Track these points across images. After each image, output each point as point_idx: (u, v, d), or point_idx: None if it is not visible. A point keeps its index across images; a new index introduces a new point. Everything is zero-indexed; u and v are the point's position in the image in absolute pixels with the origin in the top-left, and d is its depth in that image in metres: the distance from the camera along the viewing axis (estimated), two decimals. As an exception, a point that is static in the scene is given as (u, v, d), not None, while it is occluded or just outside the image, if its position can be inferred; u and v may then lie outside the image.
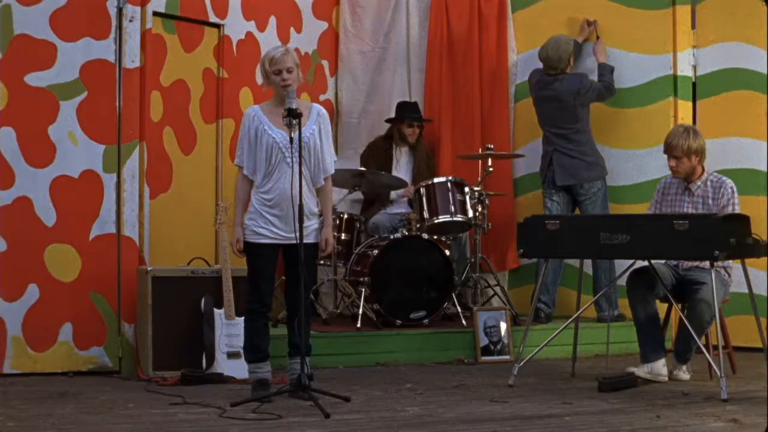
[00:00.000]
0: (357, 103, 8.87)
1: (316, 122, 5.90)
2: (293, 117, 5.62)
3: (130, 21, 6.82)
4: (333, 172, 6.00)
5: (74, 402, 5.82)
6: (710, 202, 6.49)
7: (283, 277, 6.09)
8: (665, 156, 6.56)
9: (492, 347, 7.44)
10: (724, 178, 6.54)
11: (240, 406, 5.53)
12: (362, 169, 7.95)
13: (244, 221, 5.88)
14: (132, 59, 6.83)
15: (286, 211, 5.76)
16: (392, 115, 8.45)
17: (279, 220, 5.82)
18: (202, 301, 6.61)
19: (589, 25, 8.32)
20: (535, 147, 8.32)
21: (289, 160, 5.78)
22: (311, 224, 5.85)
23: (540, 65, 8.14)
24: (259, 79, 6.01)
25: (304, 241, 5.68)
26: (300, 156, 5.68)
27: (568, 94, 7.93)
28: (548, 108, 8.07)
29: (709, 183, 6.53)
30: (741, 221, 6.03)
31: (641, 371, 6.34)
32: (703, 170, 6.58)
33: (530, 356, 6.50)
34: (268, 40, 7.80)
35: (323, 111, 6.00)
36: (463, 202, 7.73)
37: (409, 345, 7.39)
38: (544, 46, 8.08)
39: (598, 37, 8.28)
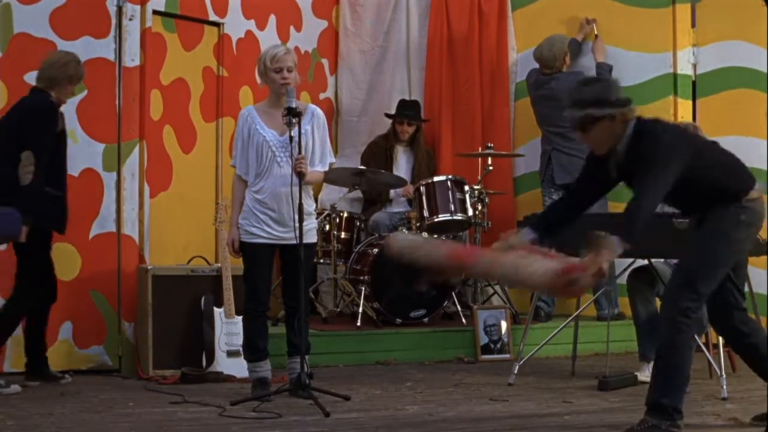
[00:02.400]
0: (357, 102, 8.86)
1: (310, 122, 5.89)
2: (293, 116, 5.62)
3: (130, 19, 6.82)
4: (325, 170, 5.97)
5: (74, 401, 5.82)
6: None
7: (281, 278, 6.09)
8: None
9: (492, 346, 7.44)
10: None
11: (240, 404, 5.53)
12: (362, 167, 7.94)
13: (239, 221, 5.88)
14: (132, 58, 6.83)
15: (279, 211, 5.76)
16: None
17: (273, 220, 5.81)
18: (202, 299, 6.61)
19: (588, 23, 8.32)
20: (535, 146, 8.31)
21: (278, 159, 5.78)
22: (307, 224, 5.82)
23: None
24: (259, 78, 6.00)
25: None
26: (299, 155, 5.67)
27: (564, 93, 7.92)
28: (546, 107, 8.06)
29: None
30: (741, 220, 6.01)
31: (644, 375, 6.32)
32: None
33: (530, 355, 6.51)
34: (268, 39, 7.79)
35: (318, 111, 5.98)
36: (463, 201, 7.73)
37: (409, 344, 7.39)
38: (539, 46, 8.09)
39: (596, 36, 8.28)
